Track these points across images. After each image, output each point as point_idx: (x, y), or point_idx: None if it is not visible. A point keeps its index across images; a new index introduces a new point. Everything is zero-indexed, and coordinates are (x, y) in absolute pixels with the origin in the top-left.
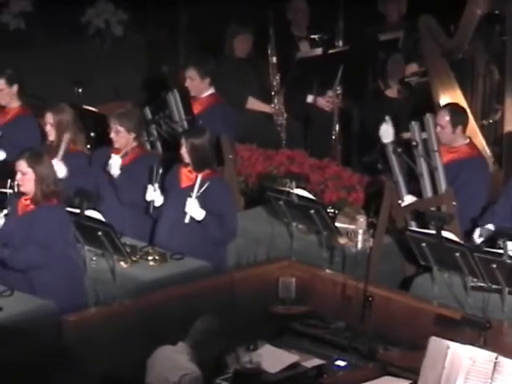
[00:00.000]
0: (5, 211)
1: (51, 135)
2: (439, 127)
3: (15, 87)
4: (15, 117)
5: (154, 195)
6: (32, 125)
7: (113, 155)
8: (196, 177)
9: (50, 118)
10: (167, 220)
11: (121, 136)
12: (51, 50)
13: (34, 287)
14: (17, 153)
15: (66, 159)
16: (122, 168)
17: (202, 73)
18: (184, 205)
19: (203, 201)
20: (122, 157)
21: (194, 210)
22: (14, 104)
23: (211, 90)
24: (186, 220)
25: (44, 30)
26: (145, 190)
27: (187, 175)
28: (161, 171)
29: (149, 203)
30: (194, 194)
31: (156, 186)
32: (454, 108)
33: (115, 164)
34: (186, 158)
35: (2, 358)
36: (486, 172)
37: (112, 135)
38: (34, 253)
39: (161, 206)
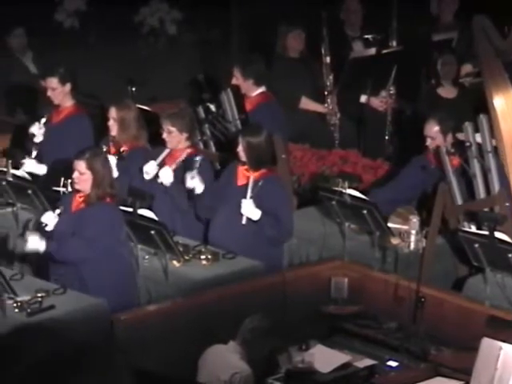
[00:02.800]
0: (58, 210)
1: (113, 130)
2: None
3: (68, 86)
4: (68, 116)
5: (193, 182)
6: (84, 124)
7: (165, 167)
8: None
9: (113, 112)
10: (222, 217)
11: (173, 136)
12: (105, 49)
13: (86, 285)
14: (69, 151)
15: (128, 155)
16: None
17: (245, 73)
18: (239, 202)
19: (259, 200)
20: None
21: (249, 210)
22: (67, 103)
23: (260, 89)
24: (243, 221)
25: (98, 28)
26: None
27: (244, 173)
28: (201, 162)
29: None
30: (248, 194)
31: (194, 172)
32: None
33: (167, 175)
34: (243, 156)
35: (53, 355)
36: None
37: (164, 135)
38: (78, 245)
39: (203, 193)
